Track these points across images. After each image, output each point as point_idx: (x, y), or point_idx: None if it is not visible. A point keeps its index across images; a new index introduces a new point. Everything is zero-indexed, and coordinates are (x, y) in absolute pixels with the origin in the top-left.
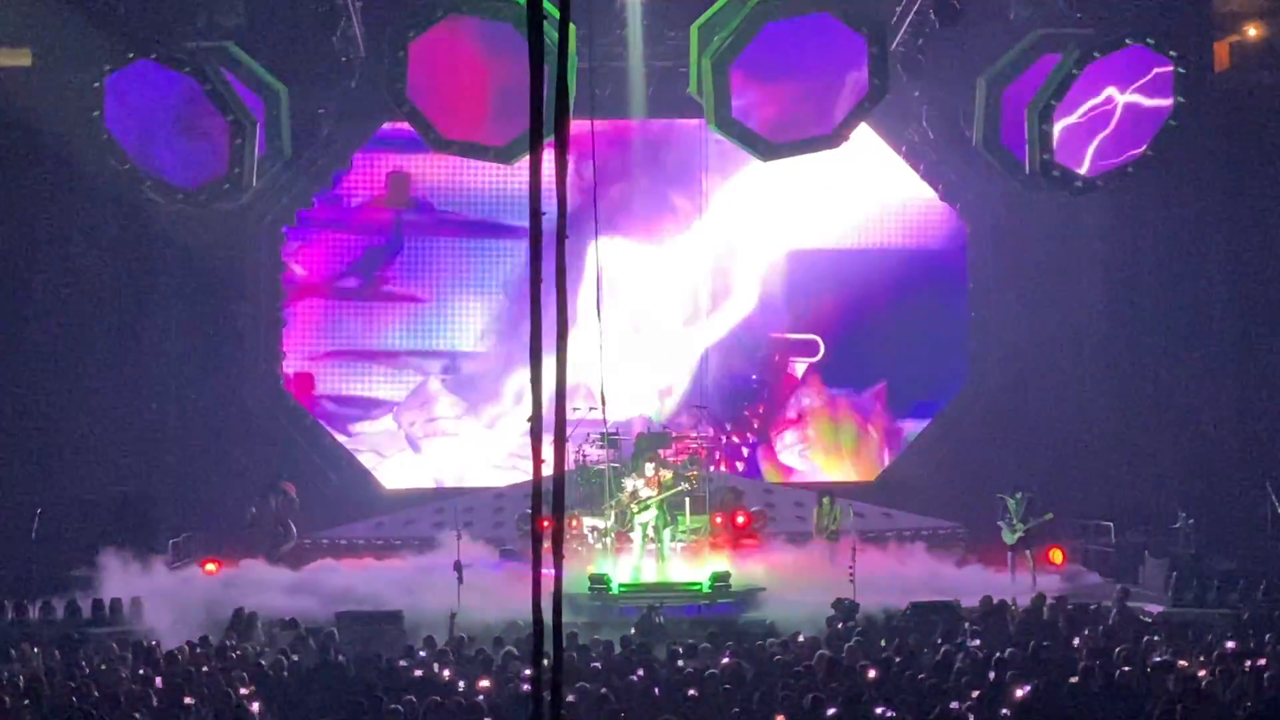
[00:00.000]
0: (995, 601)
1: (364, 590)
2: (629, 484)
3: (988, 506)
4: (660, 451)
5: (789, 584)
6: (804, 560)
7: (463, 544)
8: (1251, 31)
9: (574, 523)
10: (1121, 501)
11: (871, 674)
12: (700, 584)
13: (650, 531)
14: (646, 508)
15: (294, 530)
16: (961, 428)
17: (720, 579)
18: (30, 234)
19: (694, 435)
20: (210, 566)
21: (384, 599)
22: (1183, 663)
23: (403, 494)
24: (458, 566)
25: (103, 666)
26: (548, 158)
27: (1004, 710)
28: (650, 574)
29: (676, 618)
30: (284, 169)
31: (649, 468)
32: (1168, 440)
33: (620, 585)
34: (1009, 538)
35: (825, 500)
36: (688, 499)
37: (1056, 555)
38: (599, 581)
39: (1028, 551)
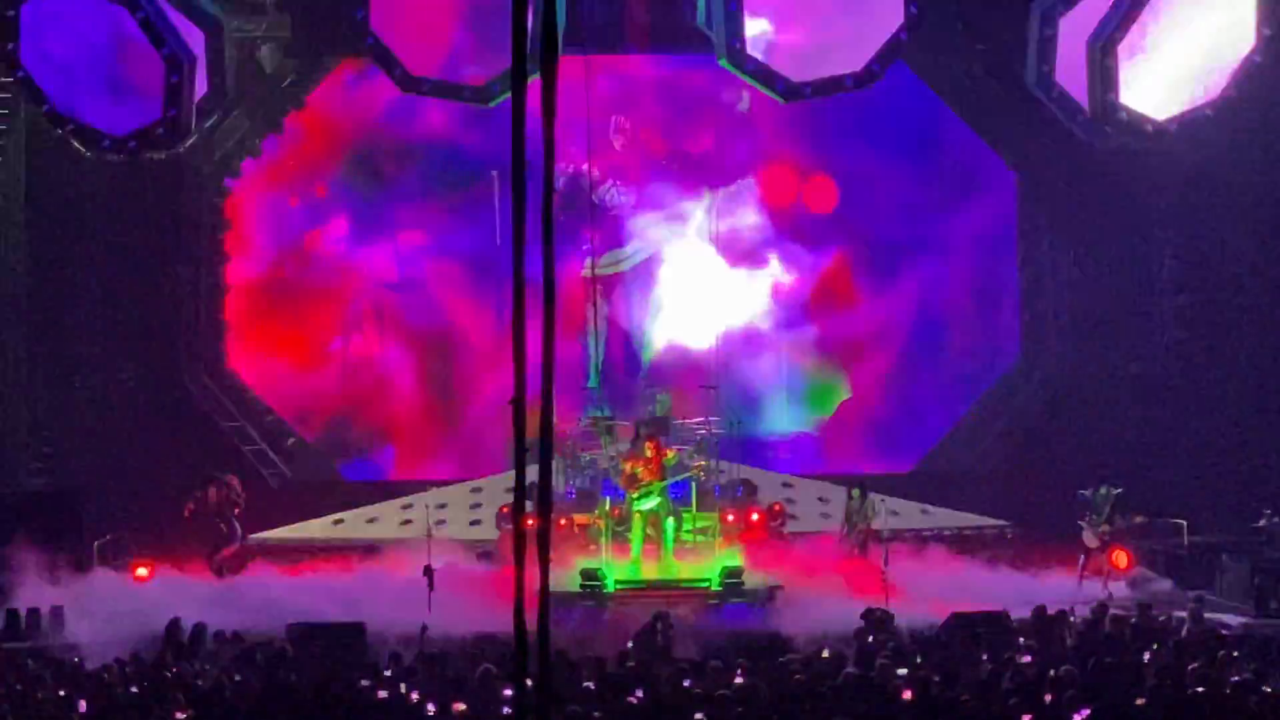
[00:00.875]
0: (1051, 612)
1: (319, 599)
2: (626, 467)
3: (1040, 501)
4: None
5: (812, 591)
6: (830, 563)
7: (434, 545)
8: None
9: (563, 521)
10: (1196, 496)
11: (906, 695)
12: (709, 580)
13: (649, 530)
14: (648, 494)
15: (238, 529)
16: (1011, 410)
17: (732, 574)
18: None
19: (701, 421)
20: (141, 571)
21: (343, 609)
22: (1266, 686)
23: (364, 487)
24: (428, 572)
25: (18, 688)
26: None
27: None
28: (651, 570)
29: (682, 630)
30: (227, 112)
31: (648, 448)
32: (1250, 426)
33: (617, 581)
34: (1092, 540)
35: (855, 494)
36: (694, 484)
37: (1121, 558)
38: (593, 577)
39: (1106, 557)
